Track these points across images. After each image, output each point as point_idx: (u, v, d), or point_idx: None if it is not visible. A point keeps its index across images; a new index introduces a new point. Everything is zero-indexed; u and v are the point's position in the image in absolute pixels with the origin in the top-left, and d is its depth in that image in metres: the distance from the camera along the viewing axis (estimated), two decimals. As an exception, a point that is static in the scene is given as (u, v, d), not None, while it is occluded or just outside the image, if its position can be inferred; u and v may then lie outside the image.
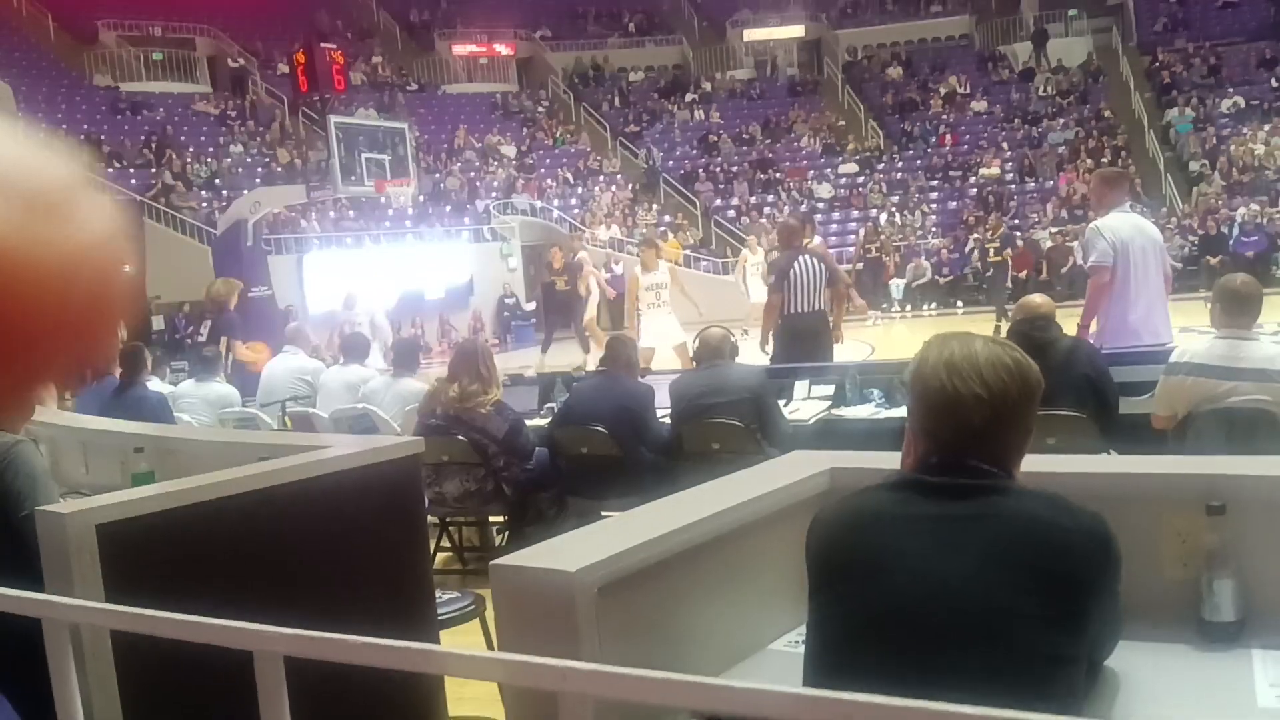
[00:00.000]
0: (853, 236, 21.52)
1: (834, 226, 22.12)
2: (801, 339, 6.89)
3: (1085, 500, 1.66)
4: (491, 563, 1.72)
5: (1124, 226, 5.45)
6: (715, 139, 25.65)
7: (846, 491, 1.87)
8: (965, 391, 1.64)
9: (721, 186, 24.08)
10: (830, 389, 5.59)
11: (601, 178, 24.44)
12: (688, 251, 21.24)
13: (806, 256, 7.06)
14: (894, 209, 22.34)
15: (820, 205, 22.87)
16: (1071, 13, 27.02)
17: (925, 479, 1.68)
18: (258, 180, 20.09)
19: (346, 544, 2.75)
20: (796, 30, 29.02)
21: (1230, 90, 23.07)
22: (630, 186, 24.32)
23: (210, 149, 22.16)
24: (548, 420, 5.58)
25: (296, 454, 2.85)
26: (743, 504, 2.03)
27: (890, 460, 1.86)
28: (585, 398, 5.31)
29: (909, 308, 19.23)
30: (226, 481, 2.56)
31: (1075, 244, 19.00)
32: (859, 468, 2.18)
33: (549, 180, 23.89)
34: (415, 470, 3.03)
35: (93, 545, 2.23)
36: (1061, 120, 23.90)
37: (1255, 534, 1.89)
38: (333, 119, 13.69)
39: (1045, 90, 25.14)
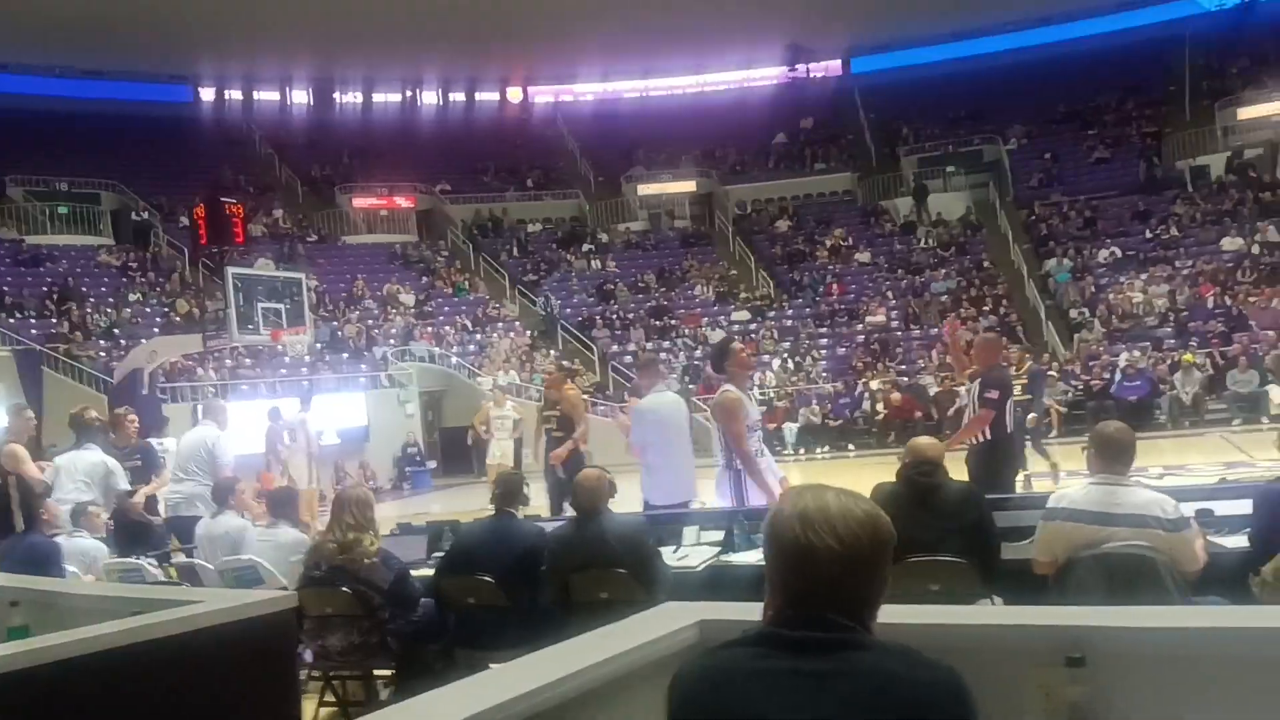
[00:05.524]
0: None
1: (729, 371, 22.62)
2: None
3: (948, 652, 1.65)
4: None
5: (662, 404, 6.95)
6: (611, 287, 26.29)
7: (714, 644, 1.82)
8: (819, 544, 1.62)
9: (618, 333, 24.56)
10: (719, 534, 5.50)
11: (500, 325, 24.74)
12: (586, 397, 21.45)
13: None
14: (785, 355, 23.04)
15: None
16: (949, 169, 28.60)
17: (781, 633, 1.66)
18: (156, 330, 19.98)
19: (218, 699, 2.76)
20: (688, 185, 30.34)
21: (1106, 241, 24.06)
22: (529, 333, 24.65)
23: (110, 299, 22.12)
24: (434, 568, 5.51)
25: (170, 609, 2.86)
26: (609, 659, 2.02)
27: (761, 611, 1.82)
28: (474, 541, 5.16)
29: (802, 451, 19.67)
30: (97, 637, 2.55)
31: (961, 389, 19.55)
32: (728, 619, 2.16)
33: (447, 327, 24.09)
34: (289, 624, 3.07)
35: (-42, 704, 2.24)
36: (943, 270, 24.88)
37: (1119, 686, 1.87)
38: (230, 269, 13.77)
39: (926, 242, 26.26)
